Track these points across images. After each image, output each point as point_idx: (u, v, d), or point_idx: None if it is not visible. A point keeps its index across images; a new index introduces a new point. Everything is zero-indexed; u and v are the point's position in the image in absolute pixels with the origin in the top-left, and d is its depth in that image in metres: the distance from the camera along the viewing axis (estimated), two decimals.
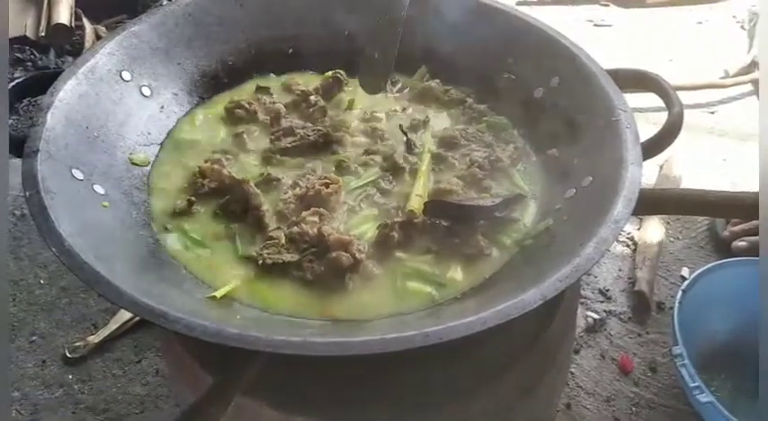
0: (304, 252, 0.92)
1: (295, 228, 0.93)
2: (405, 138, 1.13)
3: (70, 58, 2.35)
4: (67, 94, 0.99)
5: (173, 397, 1.57)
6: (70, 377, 1.71)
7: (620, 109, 0.99)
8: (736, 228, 1.91)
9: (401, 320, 0.83)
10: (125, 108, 1.09)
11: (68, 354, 1.75)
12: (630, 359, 1.68)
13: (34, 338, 1.79)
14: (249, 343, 0.66)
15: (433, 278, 0.91)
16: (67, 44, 2.36)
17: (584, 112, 1.06)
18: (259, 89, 1.25)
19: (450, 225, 0.94)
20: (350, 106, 1.22)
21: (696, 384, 1.37)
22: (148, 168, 1.07)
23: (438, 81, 1.27)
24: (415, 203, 0.97)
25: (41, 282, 1.93)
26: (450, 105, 1.24)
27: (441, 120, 1.21)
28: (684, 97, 1.06)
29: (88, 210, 0.88)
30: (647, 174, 2.15)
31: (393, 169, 1.07)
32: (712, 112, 2.42)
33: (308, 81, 1.30)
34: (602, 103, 1.02)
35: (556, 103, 1.12)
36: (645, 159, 0.94)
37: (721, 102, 2.46)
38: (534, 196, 1.04)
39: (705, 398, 1.36)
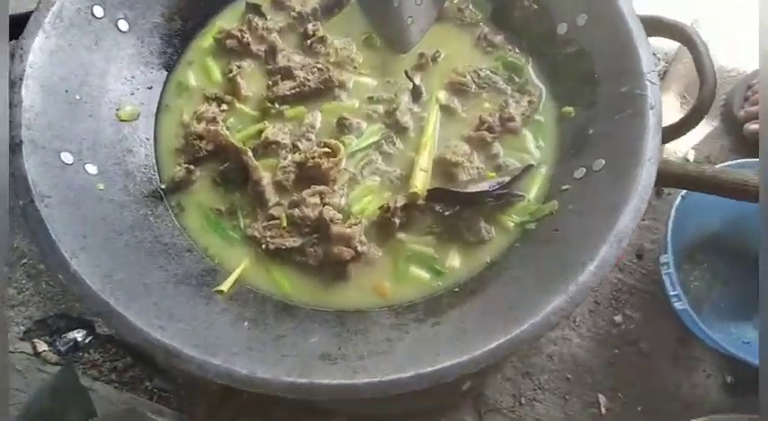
0: (306, 236, 0.92)
1: (296, 211, 0.93)
2: (410, 85, 1.04)
3: None
4: (37, 55, 0.90)
5: None
6: None
7: (648, 80, 0.90)
8: (753, 109, 1.83)
9: (400, 321, 0.87)
10: (103, 53, 0.99)
11: None
12: None
13: None
14: (257, 386, 0.72)
15: (433, 264, 0.93)
16: None
17: (608, 69, 0.96)
18: (249, 8, 1.11)
19: (452, 212, 0.93)
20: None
21: (675, 292, 1.47)
22: (138, 122, 1.01)
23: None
24: (419, 182, 0.94)
25: None
26: (464, 28, 1.12)
27: (452, 53, 1.09)
28: None
29: (85, 203, 0.87)
30: (668, 44, 1.98)
31: (396, 127, 1.01)
32: None
33: None
34: (630, 63, 0.92)
35: (579, 47, 1.01)
36: (665, 143, 0.89)
37: None
38: (543, 163, 1.00)
39: (681, 306, 1.47)
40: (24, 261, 1.82)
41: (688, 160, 1.90)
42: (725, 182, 0.92)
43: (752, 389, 1.48)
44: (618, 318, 1.73)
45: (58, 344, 1.76)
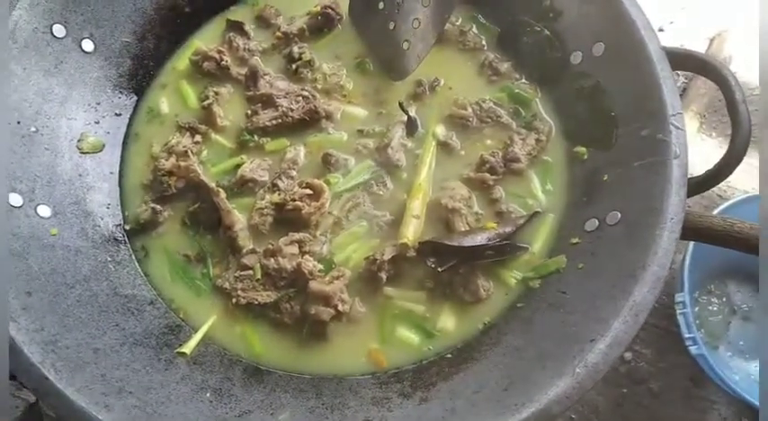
0: (281, 289, 0.83)
1: (272, 262, 0.83)
2: (405, 117, 0.93)
3: None
4: None
5: None
6: None
7: (672, 124, 0.79)
8: None
9: (384, 393, 0.77)
10: (64, 77, 0.89)
11: None
12: None
13: None
14: None
15: (423, 324, 0.83)
16: None
17: (627, 107, 0.85)
18: (231, 26, 1.01)
19: (446, 269, 0.82)
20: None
21: (691, 335, 1.36)
22: (102, 154, 0.92)
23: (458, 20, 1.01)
24: (410, 231, 0.84)
25: None
26: (467, 53, 1.01)
27: (452, 81, 0.98)
28: None
29: (33, 253, 0.77)
30: (695, 45, 1.86)
31: (388, 165, 0.91)
32: None
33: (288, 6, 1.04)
34: (653, 103, 0.81)
35: (595, 80, 0.90)
36: (690, 196, 0.78)
37: None
38: (551, 211, 0.89)
39: (697, 350, 1.36)
40: None
41: None
42: (739, 234, 0.81)
43: None
44: (627, 355, 1.62)
45: None
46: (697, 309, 1.44)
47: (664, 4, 1.90)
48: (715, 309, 1.64)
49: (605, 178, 0.85)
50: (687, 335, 1.39)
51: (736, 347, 1.60)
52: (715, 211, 1.46)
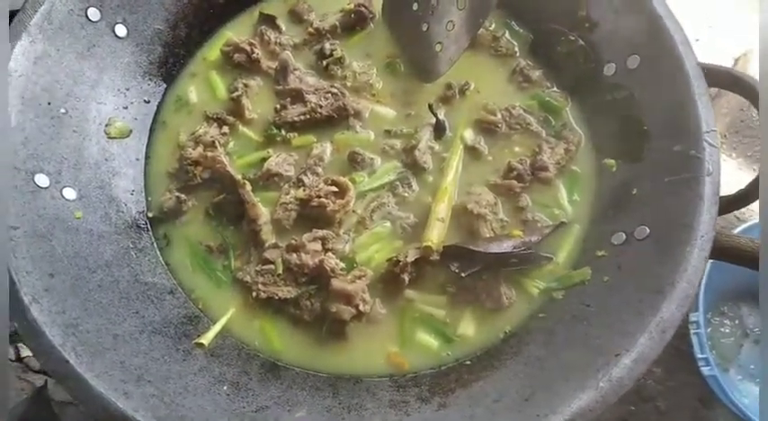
0: (302, 286, 0.82)
1: (294, 257, 0.82)
2: (433, 120, 0.93)
3: None
4: (20, 61, 0.80)
5: None
6: None
7: (706, 140, 0.78)
8: None
9: (401, 397, 0.76)
10: (96, 61, 0.89)
11: None
12: None
13: None
14: None
15: (443, 329, 0.82)
16: None
17: (660, 122, 0.84)
18: (263, 18, 1.01)
19: (469, 274, 0.82)
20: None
21: (704, 356, 1.35)
22: (128, 140, 0.91)
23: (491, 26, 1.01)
24: (435, 234, 0.83)
25: None
26: (498, 59, 1.00)
27: (483, 86, 0.98)
28: None
29: (58, 235, 0.77)
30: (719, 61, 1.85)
31: (414, 167, 0.90)
32: None
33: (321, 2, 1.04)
34: (687, 119, 0.80)
35: (628, 92, 0.89)
36: (721, 214, 0.77)
37: None
38: (577, 222, 0.88)
39: (709, 371, 1.35)
40: None
41: None
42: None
43: None
44: None
45: None
46: (709, 329, 1.44)
47: (690, 21, 1.88)
48: (727, 330, 1.63)
49: (634, 192, 0.84)
50: (700, 356, 1.38)
51: (747, 371, 1.58)
52: (734, 232, 1.44)
